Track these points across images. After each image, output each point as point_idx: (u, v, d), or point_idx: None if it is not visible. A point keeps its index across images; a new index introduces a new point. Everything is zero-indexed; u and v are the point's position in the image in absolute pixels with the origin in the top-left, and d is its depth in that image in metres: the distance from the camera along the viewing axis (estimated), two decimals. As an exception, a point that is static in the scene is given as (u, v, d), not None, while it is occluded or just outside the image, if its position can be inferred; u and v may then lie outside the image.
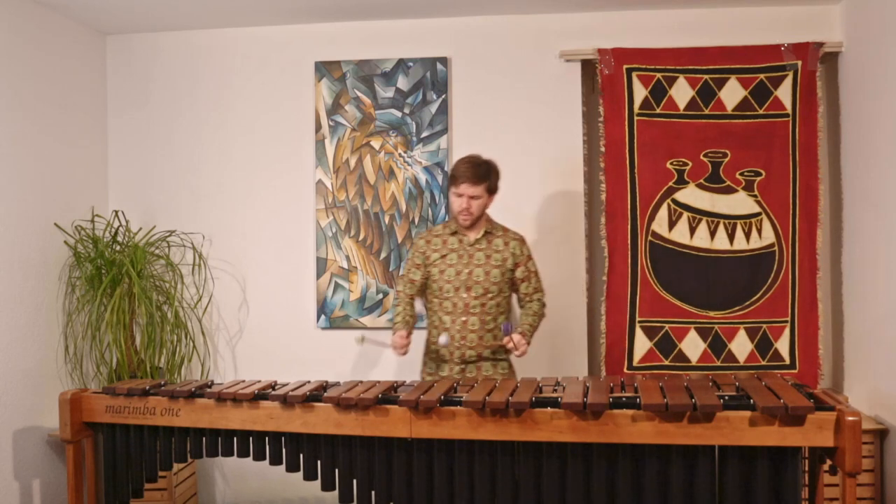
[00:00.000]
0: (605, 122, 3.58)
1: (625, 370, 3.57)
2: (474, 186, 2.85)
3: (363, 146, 3.76)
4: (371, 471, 2.51)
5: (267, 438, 2.63)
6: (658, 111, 3.56)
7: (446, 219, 3.70)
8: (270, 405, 2.58)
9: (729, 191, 3.53)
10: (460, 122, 3.73)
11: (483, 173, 2.87)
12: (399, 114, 3.74)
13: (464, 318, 2.93)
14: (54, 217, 3.52)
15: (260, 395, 2.60)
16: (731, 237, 3.53)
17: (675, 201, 3.56)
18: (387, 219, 3.76)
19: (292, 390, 2.58)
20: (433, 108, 3.72)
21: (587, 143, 3.69)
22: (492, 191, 2.93)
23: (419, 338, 3.22)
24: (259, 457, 2.65)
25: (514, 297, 3.14)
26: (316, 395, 2.55)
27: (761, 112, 3.51)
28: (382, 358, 3.74)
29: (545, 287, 3.20)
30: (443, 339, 2.88)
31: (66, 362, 3.57)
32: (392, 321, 3.09)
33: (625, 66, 3.56)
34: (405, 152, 3.74)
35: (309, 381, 2.76)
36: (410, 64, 3.73)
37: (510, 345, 2.84)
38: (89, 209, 3.77)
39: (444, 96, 3.71)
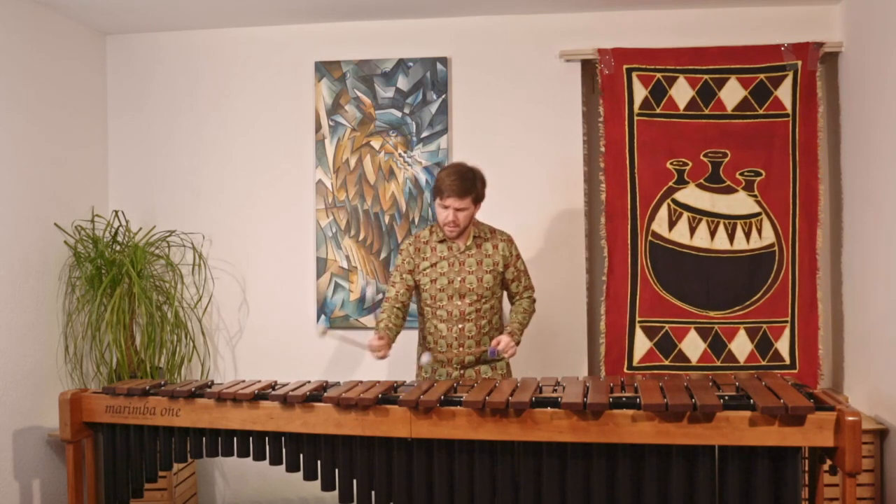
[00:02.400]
0: (605, 122, 3.58)
1: (625, 370, 3.57)
2: (461, 200, 2.79)
3: (363, 146, 3.76)
4: (371, 471, 2.51)
5: (267, 438, 2.63)
6: (658, 111, 3.56)
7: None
8: (270, 405, 2.58)
9: (729, 191, 3.53)
10: (460, 122, 3.73)
11: (469, 187, 2.79)
12: (399, 114, 3.74)
13: (460, 326, 2.91)
14: (54, 217, 3.52)
15: (260, 395, 2.60)
16: (731, 237, 3.53)
17: (675, 201, 3.56)
18: (387, 219, 3.76)
19: (292, 390, 2.58)
20: (433, 108, 3.72)
21: (587, 143, 3.69)
22: (478, 200, 2.87)
23: (411, 342, 3.19)
24: (259, 457, 2.65)
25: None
26: (316, 395, 2.55)
27: (761, 112, 3.51)
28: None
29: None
30: (425, 358, 2.84)
31: (66, 362, 3.57)
32: (377, 324, 2.96)
33: (625, 66, 3.56)
34: (405, 152, 3.74)
35: (309, 381, 2.76)
36: (410, 64, 3.73)
37: (500, 346, 2.79)
38: (89, 209, 3.77)
39: (444, 96, 3.71)
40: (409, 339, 3.77)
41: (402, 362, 3.55)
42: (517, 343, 2.88)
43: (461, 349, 2.92)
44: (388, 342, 2.80)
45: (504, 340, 2.81)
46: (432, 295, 2.92)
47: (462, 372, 2.94)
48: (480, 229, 2.97)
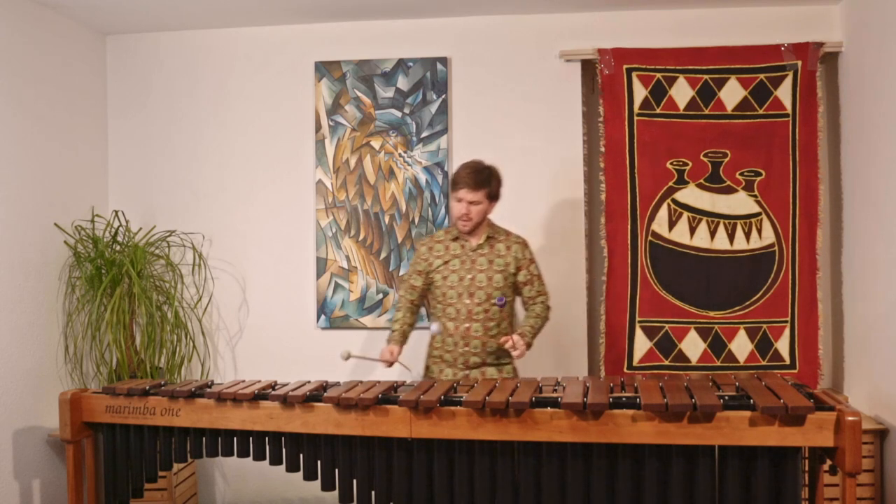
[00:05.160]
0: (605, 122, 3.58)
1: (625, 370, 3.57)
2: (474, 192, 2.83)
3: (363, 146, 3.76)
4: (371, 471, 2.51)
5: (267, 438, 2.63)
6: (658, 111, 3.56)
7: (446, 219, 3.70)
8: (270, 405, 2.58)
9: (729, 191, 3.53)
10: (460, 122, 3.73)
11: (483, 180, 2.84)
12: (399, 114, 3.74)
13: (467, 325, 2.92)
14: (54, 217, 3.52)
15: (260, 395, 2.60)
16: (731, 237, 3.53)
17: (675, 201, 3.56)
18: (387, 219, 3.76)
19: (292, 390, 2.58)
20: (433, 108, 3.72)
21: (587, 143, 3.69)
22: (493, 197, 2.90)
23: (421, 341, 3.21)
24: (259, 457, 2.65)
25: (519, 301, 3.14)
26: (316, 395, 2.55)
27: (761, 112, 3.51)
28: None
29: (549, 287, 3.19)
30: (434, 327, 2.88)
31: (66, 362, 3.57)
32: (390, 327, 3.06)
33: (625, 66, 3.56)
34: (405, 152, 3.74)
35: (309, 381, 2.76)
36: (410, 64, 3.73)
37: (508, 344, 2.83)
38: (89, 209, 3.77)
39: (444, 96, 3.71)
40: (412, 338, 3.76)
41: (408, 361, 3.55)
42: (528, 346, 2.88)
43: (466, 349, 2.93)
44: (398, 350, 2.96)
45: (515, 339, 2.83)
46: (443, 292, 2.95)
47: (467, 373, 2.95)
48: (495, 230, 3.00)
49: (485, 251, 2.94)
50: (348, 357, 2.96)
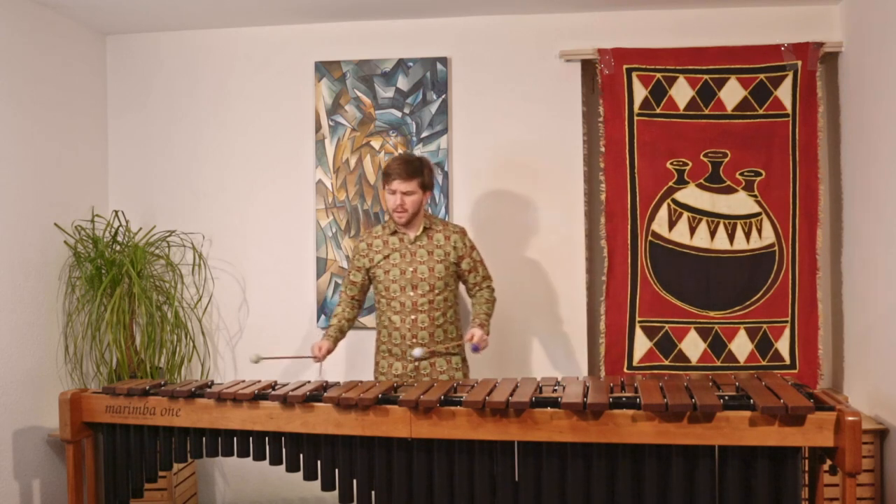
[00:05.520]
0: (605, 122, 3.58)
1: (624, 370, 3.57)
2: (406, 182, 2.87)
3: (363, 146, 3.76)
4: (371, 471, 2.51)
5: (267, 438, 2.63)
6: (658, 111, 3.56)
7: (446, 219, 3.70)
8: (270, 405, 2.58)
9: (729, 191, 3.53)
10: (460, 122, 3.73)
11: (415, 169, 2.89)
12: (399, 114, 3.74)
13: (413, 317, 2.94)
14: (54, 217, 3.52)
15: (260, 395, 2.60)
16: (731, 237, 3.53)
17: (675, 201, 3.56)
18: (387, 219, 3.75)
19: (292, 390, 2.58)
20: (433, 108, 3.72)
21: (587, 143, 3.69)
22: (426, 187, 2.94)
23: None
24: (259, 457, 2.65)
25: (464, 289, 3.17)
26: (316, 395, 2.55)
27: (761, 112, 3.51)
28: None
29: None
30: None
31: (66, 362, 3.57)
32: (329, 321, 3.06)
33: (625, 66, 3.56)
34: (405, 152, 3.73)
35: (309, 381, 2.76)
36: (410, 64, 3.73)
37: (474, 340, 2.82)
38: (89, 209, 3.77)
39: (444, 96, 3.71)
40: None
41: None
42: (487, 333, 2.92)
43: (414, 341, 2.95)
44: (329, 347, 2.96)
45: (477, 334, 2.85)
46: (386, 286, 2.98)
47: (417, 364, 2.97)
48: (431, 221, 3.03)
49: (423, 242, 2.97)
50: (258, 360, 2.95)
